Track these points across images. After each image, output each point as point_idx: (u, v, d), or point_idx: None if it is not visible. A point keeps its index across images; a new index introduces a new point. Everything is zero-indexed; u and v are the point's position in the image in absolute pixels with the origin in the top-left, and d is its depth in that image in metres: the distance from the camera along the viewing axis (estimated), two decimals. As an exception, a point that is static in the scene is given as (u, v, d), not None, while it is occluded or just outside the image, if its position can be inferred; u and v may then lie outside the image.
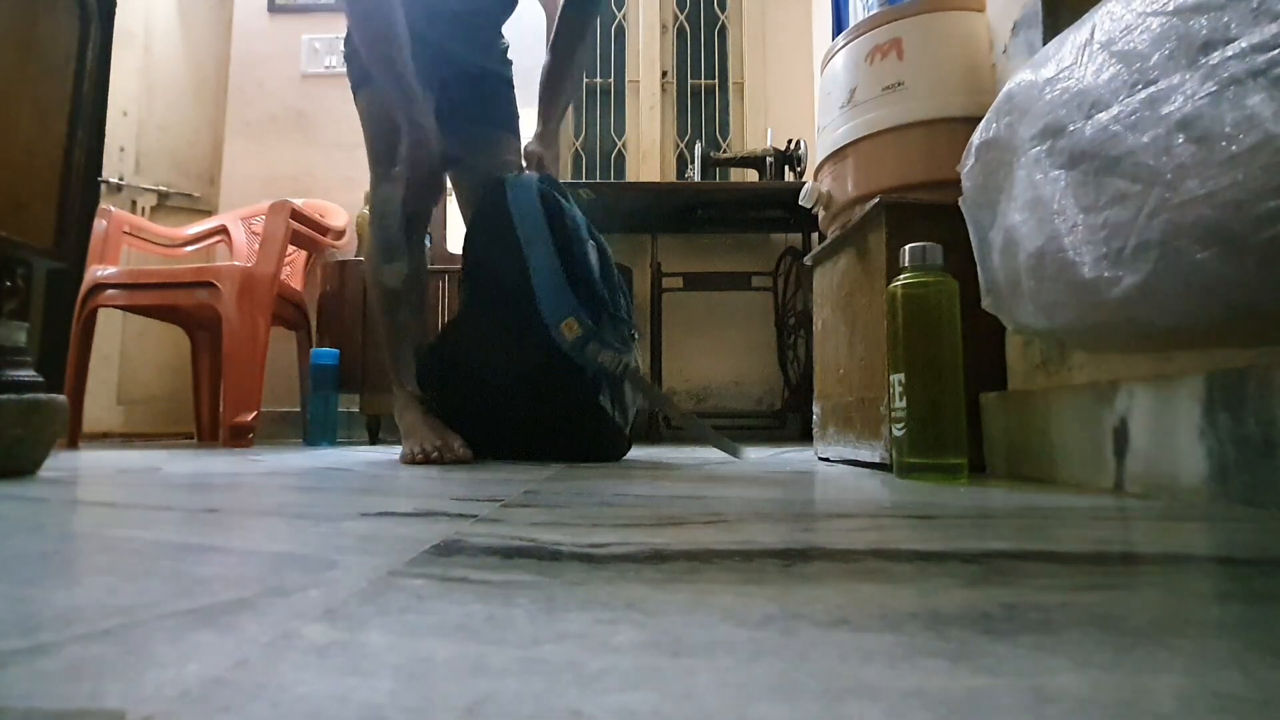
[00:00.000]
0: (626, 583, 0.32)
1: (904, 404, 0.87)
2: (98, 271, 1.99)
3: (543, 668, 0.21)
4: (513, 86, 1.49)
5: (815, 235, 2.50)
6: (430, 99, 1.33)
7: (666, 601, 0.29)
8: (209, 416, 2.42)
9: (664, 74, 3.00)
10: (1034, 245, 0.71)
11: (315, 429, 2.16)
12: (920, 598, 0.30)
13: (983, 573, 0.34)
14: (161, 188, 2.72)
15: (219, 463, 1.21)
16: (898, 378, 0.88)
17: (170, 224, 2.56)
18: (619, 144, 3.00)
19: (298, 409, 2.45)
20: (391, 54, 1.16)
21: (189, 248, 2.46)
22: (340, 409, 2.28)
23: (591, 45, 2.86)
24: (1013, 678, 0.21)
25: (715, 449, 1.23)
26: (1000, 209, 0.79)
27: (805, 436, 2.00)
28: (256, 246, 2.17)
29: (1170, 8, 0.58)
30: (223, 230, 2.47)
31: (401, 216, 1.25)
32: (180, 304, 2.08)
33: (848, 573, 0.35)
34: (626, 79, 3.01)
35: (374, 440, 2.41)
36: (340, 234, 2.41)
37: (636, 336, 1.38)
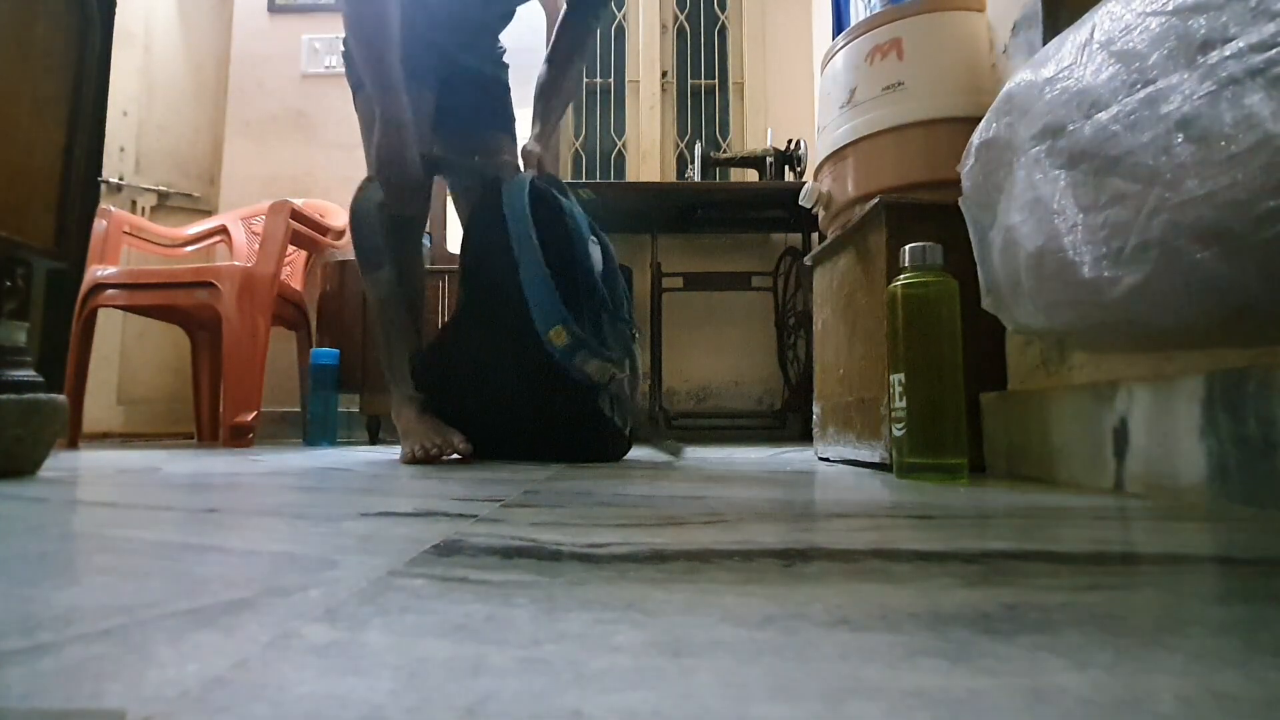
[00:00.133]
0: (626, 583, 0.32)
1: (904, 404, 0.87)
2: (98, 271, 1.99)
3: (543, 668, 0.21)
4: (509, 89, 1.50)
5: (815, 235, 2.50)
6: (430, 98, 1.33)
7: (666, 601, 0.29)
8: (209, 416, 2.42)
9: (664, 74, 3.00)
10: (1034, 245, 0.71)
11: (315, 429, 2.16)
12: (920, 598, 0.30)
13: (983, 573, 0.34)
14: (161, 188, 2.72)
15: (219, 463, 1.21)
16: (898, 378, 0.88)
17: (170, 224, 2.55)
18: (619, 144, 3.00)
19: (298, 409, 2.45)
20: (382, 52, 1.16)
21: (189, 248, 2.46)
22: (340, 409, 2.29)
23: (591, 48, 2.86)
24: (1013, 678, 0.21)
25: (661, 452, 1.23)
26: (1000, 209, 0.79)
27: (805, 436, 2.00)
28: (256, 246, 2.17)
29: (1169, 7, 0.58)
30: (223, 230, 2.47)
31: (382, 221, 1.25)
32: (180, 304, 2.08)
33: (848, 573, 0.35)
34: (626, 79, 3.01)
35: (374, 440, 2.41)
36: (340, 234, 2.41)
37: (638, 336, 1.38)
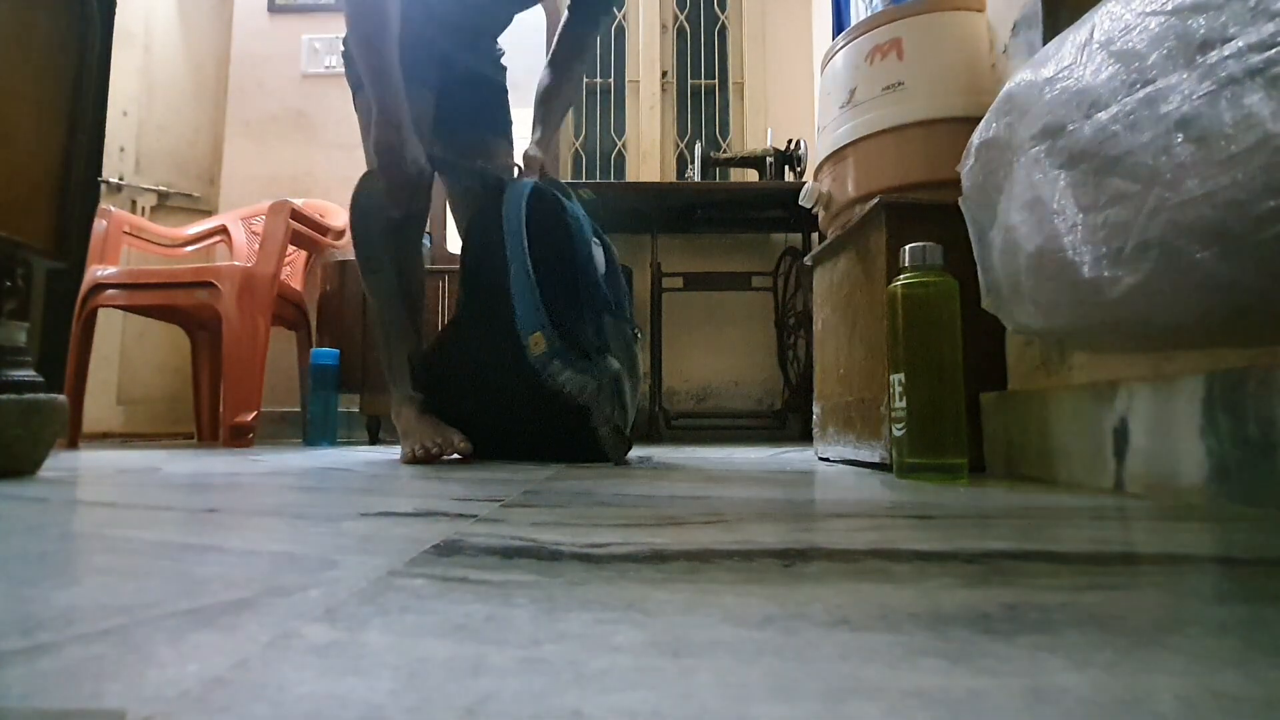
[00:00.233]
0: (627, 583, 0.32)
1: (904, 404, 0.87)
2: (98, 271, 1.99)
3: (543, 668, 0.21)
4: (506, 92, 1.51)
5: (815, 235, 2.50)
6: (430, 98, 1.33)
7: (666, 601, 0.29)
8: (209, 416, 2.42)
9: (664, 74, 3.00)
10: (1034, 245, 0.71)
11: (315, 429, 2.16)
12: (920, 598, 0.30)
13: (983, 573, 0.34)
14: (161, 188, 2.72)
15: (219, 463, 1.21)
16: (898, 378, 0.88)
17: (170, 224, 2.55)
18: (619, 144, 3.00)
19: (298, 409, 2.45)
20: (381, 50, 1.16)
21: (189, 248, 2.46)
22: (340, 409, 2.28)
23: (592, 52, 2.87)
24: (1012, 678, 0.21)
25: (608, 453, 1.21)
26: (1000, 209, 0.79)
27: (805, 436, 2.00)
28: (256, 246, 2.17)
29: (1169, 7, 0.58)
30: (223, 230, 2.47)
31: (383, 218, 1.25)
32: (180, 304, 2.08)
33: (848, 573, 0.35)
34: (626, 79, 3.01)
35: (374, 440, 2.41)
36: (340, 234, 2.41)
37: (639, 336, 1.39)
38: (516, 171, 1.37)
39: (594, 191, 2.26)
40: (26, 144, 0.96)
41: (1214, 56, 0.53)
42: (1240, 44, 0.52)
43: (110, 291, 2.00)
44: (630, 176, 2.95)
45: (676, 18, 3.05)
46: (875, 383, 1.06)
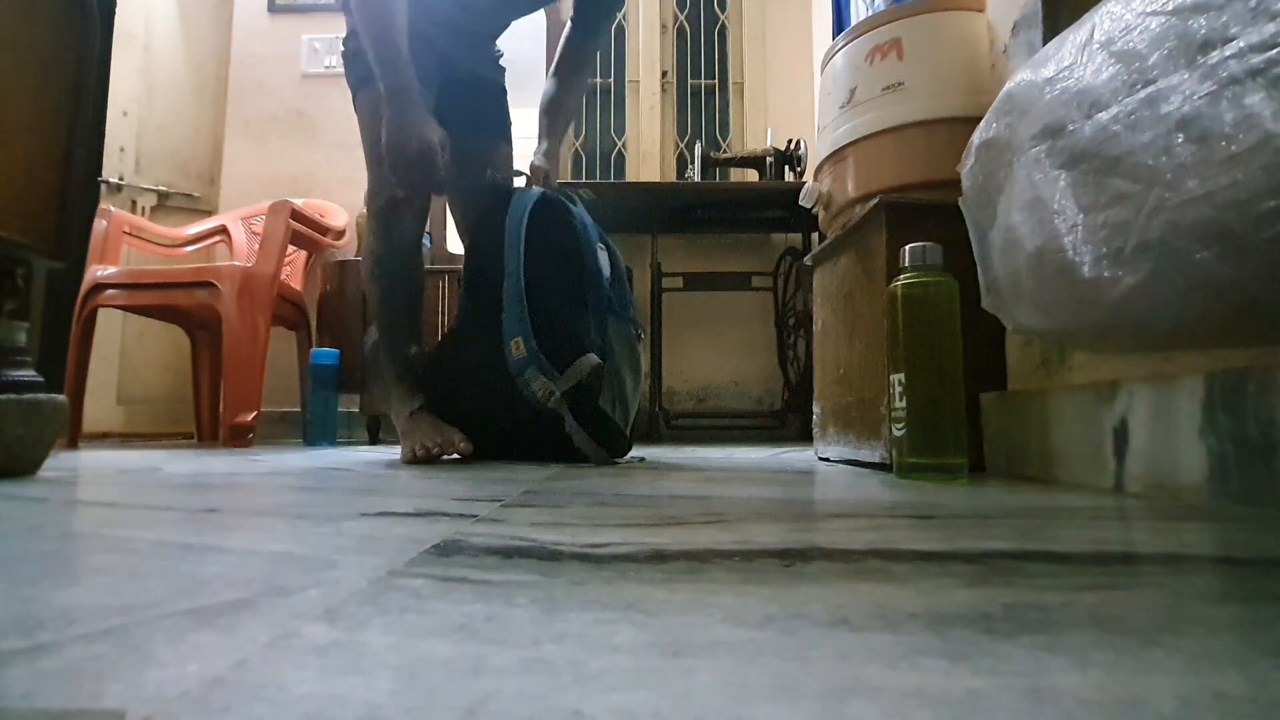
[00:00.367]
0: (626, 583, 0.32)
1: (904, 404, 0.87)
2: (98, 271, 1.99)
3: (543, 668, 0.21)
4: (506, 92, 1.51)
5: (815, 235, 2.50)
6: (430, 99, 1.33)
7: (666, 601, 0.29)
8: (209, 416, 2.42)
9: (664, 74, 3.00)
10: (1034, 245, 0.71)
11: (315, 429, 2.16)
12: (920, 598, 0.30)
13: (983, 573, 0.34)
14: (161, 188, 2.72)
15: (219, 463, 1.21)
16: (898, 378, 0.88)
17: (170, 224, 2.55)
18: (619, 144, 3.00)
19: (298, 409, 2.45)
20: (388, 27, 1.16)
21: (189, 248, 2.46)
22: (340, 409, 2.28)
23: (594, 61, 2.88)
24: (1013, 678, 0.21)
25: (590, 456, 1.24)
26: (1000, 209, 0.79)
27: (805, 436, 2.00)
28: (256, 246, 2.17)
29: (1169, 8, 0.58)
30: (223, 230, 2.47)
31: (388, 222, 1.27)
32: (180, 304, 2.08)
33: (848, 573, 0.35)
34: (626, 79, 3.01)
35: (374, 440, 2.41)
36: (340, 234, 2.41)
37: (641, 336, 1.40)
38: (525, 181, 1.38)
39: (594, 191, 2.27)
40: (26, 144, 0.96)
41: (1215, 57, 0.53)
42: (1241, 44, 0.52)
43: (110, 291, 2.00)
44: (630, 176, 2.95)
45: (676, 18, 3.05)
46: (875, 383, 1.06)
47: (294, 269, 2.36)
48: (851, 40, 1.21)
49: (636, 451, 1.39)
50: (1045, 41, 0.85)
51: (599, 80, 3.00)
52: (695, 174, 2.64)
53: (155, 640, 0.24)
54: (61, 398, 0.94)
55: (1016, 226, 0.74)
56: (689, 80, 3.03)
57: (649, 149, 2.95)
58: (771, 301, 2.69)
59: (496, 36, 1.49)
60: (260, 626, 0.25)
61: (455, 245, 2.59)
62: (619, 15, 3.00)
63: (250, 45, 2.88)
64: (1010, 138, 0.77)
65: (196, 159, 2.84)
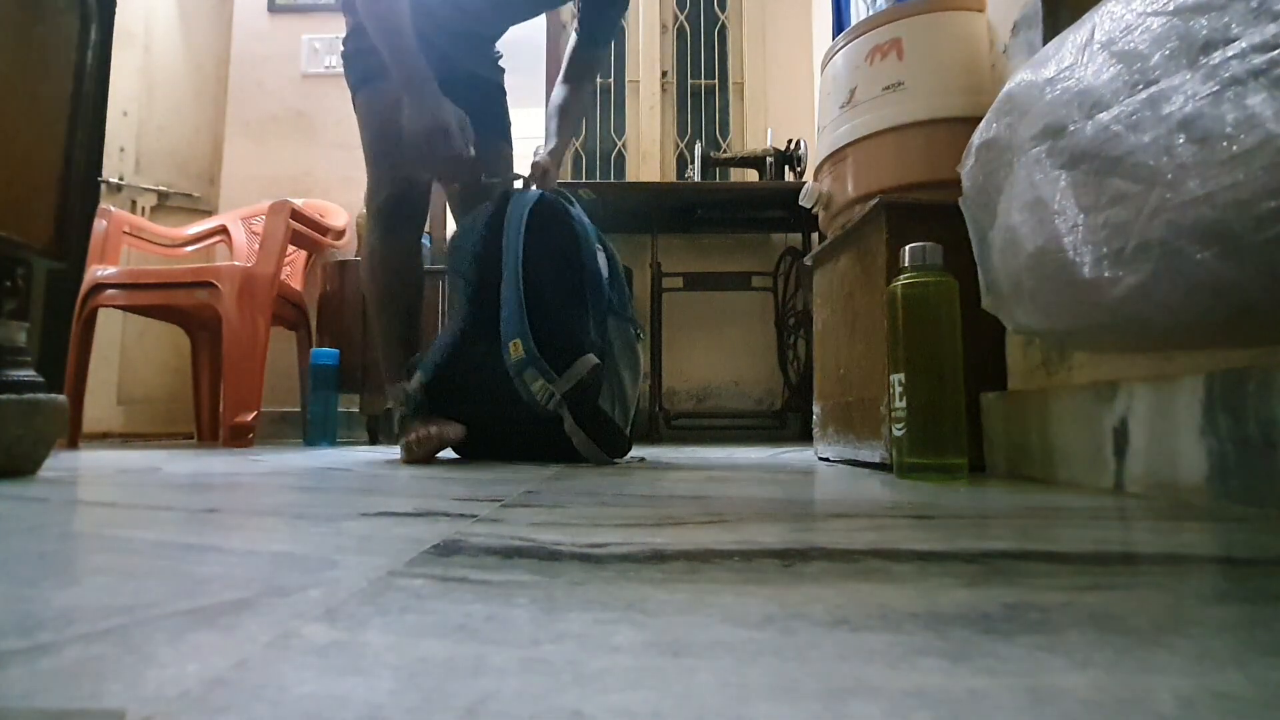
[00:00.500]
0: (626, 583, 0.32)
1: (904, 404, 0.86)
2: (98, 271, 1.99)
3: (543, 668, 0.21)
4: (505, 92, 1.51)
5: (815, 235, 2.50)
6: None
7: (666, 601, 0.29)
8: (209, 416, 2.42)
9: (664, 74, 3.00)
10: (1034, 245, 0.71)
11: (315, 429, 2.16)
12: (920, 598, 0.30)
13: (983, 573, 0.34)
14: (161, 188, 2.72)
15: (219, 463, 1.21)
16: (898, 378, 0.88)
17: (170, 224, 2.55)
18: (619, 144, 3.00)
19: (298, 409, 2.45)
20: (397, 19, 1.17)
21: (189, 248, 2.46)
22: (340, 409, 2.28)
23: (602, 68, 2.89)
24: (1013, 678, 0.21)
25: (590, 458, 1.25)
26: (1000, 209, 0.79)
27: (805, 436, 2.00)
28: (256, 246, 2.17)
29: (1170, 8, 0.58)
30: (223, 230, 2.47)
31: (388, 223, 1.29)
32: (180, 304, 2.08)
33: (848, 573, 0.35)
34: (626, 79, 3.01)
35: (374, 440, 2.41)
36: (340, 234, 2.41)
37: (640, 336, 1.40)
38: (522, 182, 1.38)
39: (594, 191, 2.27)
40: (26, 144, 0.96)
41: (1217, 57, 0.53)
42: (1243, 44, 0.52)
43: (110, 291, 2.00)
44: (630, 176, 2.95)
45: (676, 18, 3.05)
46: (875, 383, 1.06)
47: (294, 269, 2.36)
48: (851, 40, 1.21)
49: (636, 451, 1.39)
50: (1045, 41, 0.85)
51: (599, 80, 3.00)
52: (695, 174, 2.64)
53: (155, 640, 0.24)
54: (61, 398, 0.94)
55: (1017, 227, 0.74)
56: (689, 80, 3.03)
57: (649, 149, 2.95)
58: (771, 301, 2.69)
59: (496, 39, 1.49)
60: (260, 626, 0.25)
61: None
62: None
63: (250, 45, 2.88)
64: (1010, 138, 0.77)
65: (196, 159, 2.84)
